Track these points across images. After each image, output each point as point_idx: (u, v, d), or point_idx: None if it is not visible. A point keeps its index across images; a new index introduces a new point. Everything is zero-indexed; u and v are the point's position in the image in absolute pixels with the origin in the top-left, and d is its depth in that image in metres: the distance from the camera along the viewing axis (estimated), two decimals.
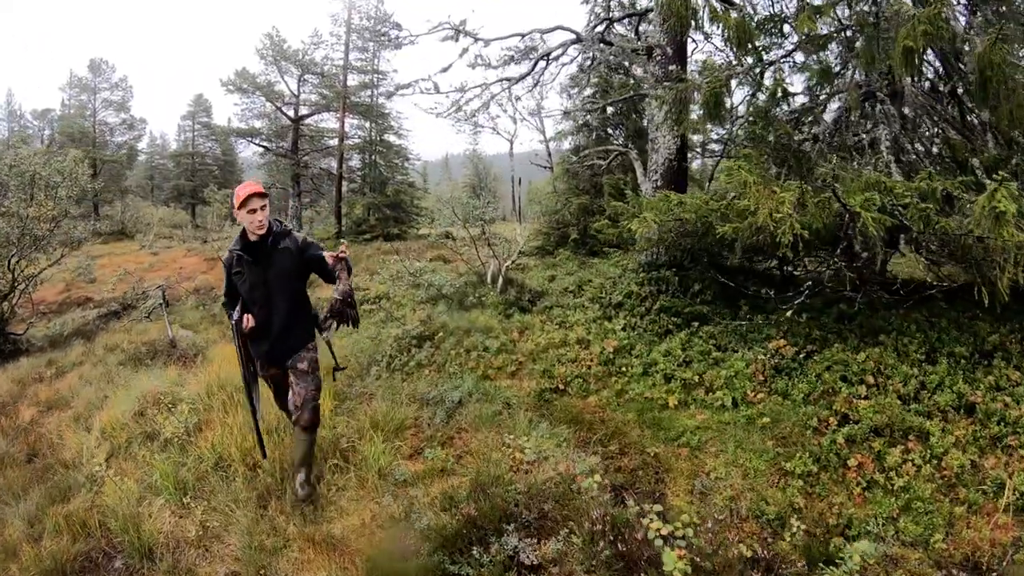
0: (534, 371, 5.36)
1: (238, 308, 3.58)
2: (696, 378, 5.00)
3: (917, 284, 5.95)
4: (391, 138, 25.66)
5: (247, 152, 30.73)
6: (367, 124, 25.63)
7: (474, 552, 2.63)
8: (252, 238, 3.45)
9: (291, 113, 25.73)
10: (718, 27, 6.91)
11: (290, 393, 3.62)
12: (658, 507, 2.62)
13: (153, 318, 10.37)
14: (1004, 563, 2.86)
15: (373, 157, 25.11)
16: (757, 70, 6.28)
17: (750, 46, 5.78)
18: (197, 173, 35.62)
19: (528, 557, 2.58)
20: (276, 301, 3.49)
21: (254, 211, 3.38)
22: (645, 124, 15.18)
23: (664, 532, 2.50)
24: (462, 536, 2.72)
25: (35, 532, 3.58)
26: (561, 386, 5.09)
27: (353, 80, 25.24)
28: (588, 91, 15.57)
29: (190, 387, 5.30)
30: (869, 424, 3.86)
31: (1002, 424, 3.76)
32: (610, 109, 15.04)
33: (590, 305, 6.72)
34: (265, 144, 26.66)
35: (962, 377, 4.21)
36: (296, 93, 25.47)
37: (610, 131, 15.78)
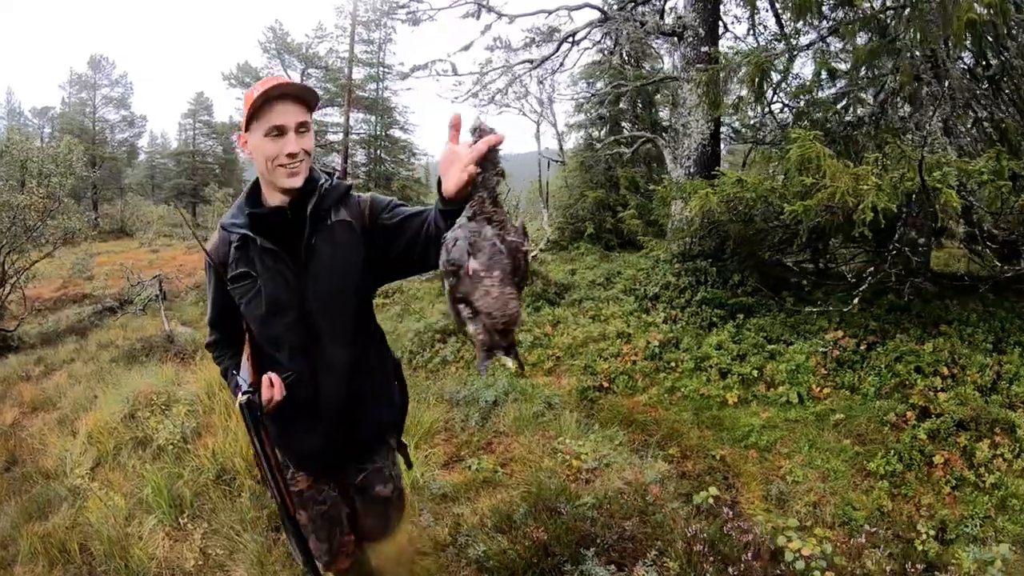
0: (573, 367, 4.85)
1: (244, 362, 1.56)
2: (754, 373, 4.57)
3: (988, 275, 5.57)
4: (397, 132, 25.25)
5: None
6: (372, 118, 25.19)
7: None
8: (273, 201, 1.50)
9: None
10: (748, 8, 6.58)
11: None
12: (792, 521, 2.12)
13: (149, 312, 9.84)
14: None
15: (378, 152, 24.65)
16: (786, 55, 5.90)
17: (808, 18, 5.35)
18: (198, 172, 35.09)
19: None
20: (327, 338, 1.53)
21: (281, 132, 1.40)
22: (662, 115, 14.86)
23: (805, 552, 2.00)
24: (532, 566, 2.18)
25: (8, 556, 3.03)
26: (605, 384, 4.59)
27: (358, 73, 24.85)
28: (600, 83, 15.20)
29: (188, 386, 4.74)
30: (952, 417, 3.54)
31: None
32: (623, 103, 14.71)
33: (624, 297, 6.22)
34: None
35: None
36: None
37: (624, 124, 15.42)
